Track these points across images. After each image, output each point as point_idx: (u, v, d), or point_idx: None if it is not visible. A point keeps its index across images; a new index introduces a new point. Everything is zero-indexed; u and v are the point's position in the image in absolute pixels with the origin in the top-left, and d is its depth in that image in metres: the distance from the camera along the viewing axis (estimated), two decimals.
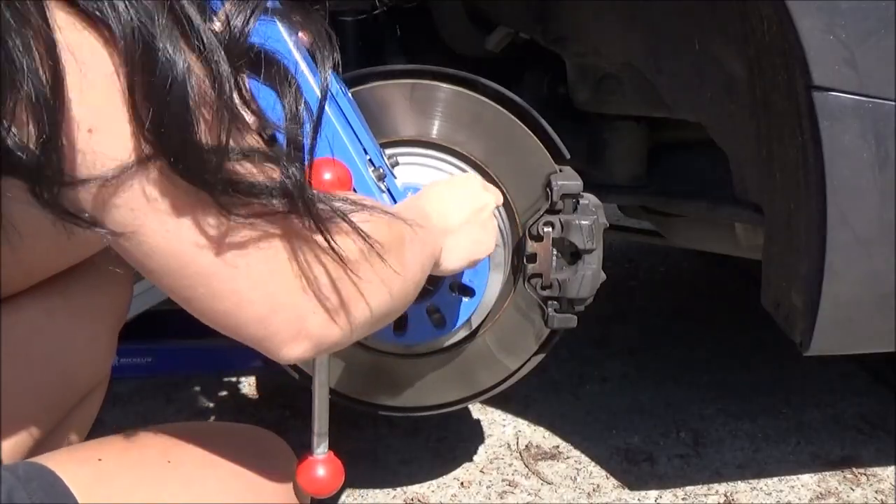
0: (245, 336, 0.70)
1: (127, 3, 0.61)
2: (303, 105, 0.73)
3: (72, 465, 0.74)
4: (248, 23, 0.69)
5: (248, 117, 0.69)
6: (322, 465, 0.85)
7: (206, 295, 0.68)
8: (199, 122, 0.64)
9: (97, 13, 0.61)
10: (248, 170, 0.68)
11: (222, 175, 0.65)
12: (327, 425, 0.89)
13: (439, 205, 1.04)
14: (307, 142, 0.73)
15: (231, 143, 0.66)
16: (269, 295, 0.68)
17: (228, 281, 0.67)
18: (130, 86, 0.62)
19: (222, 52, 0.66)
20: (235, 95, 0.67)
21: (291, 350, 0.71)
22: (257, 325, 0.69)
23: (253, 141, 0.69)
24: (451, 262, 1.02)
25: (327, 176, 0.87)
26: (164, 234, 0.66)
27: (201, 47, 0.65)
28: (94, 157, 0.63)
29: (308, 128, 0.74)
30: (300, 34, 1.01)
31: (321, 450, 0.87)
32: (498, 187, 1.33)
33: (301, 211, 0.69)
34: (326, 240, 0.71)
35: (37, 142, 0.62)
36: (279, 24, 0.86)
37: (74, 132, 0.62)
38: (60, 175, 0.63)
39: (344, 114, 1.07)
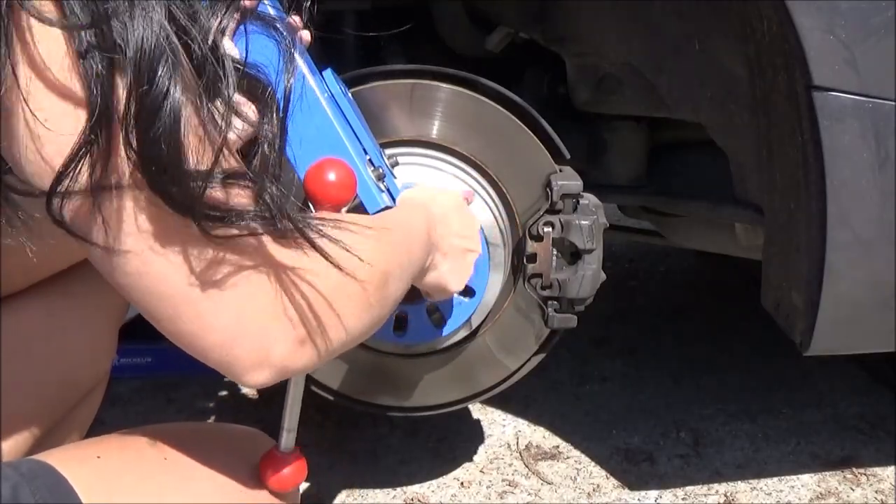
0: (209, 360, 0.70)
1: (134, 24, 0.61)
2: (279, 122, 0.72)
3: (72, 462, 0.74)
4: (221, 28, 0.68)
5: (231, 134, 0.69)
6: (286, 461, 0.85)
7: (172, 316, 0.68)
8: (186, 145, 0.64)
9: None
10: (227, 193, 0.67)
11: (203, 199, 0.65)
12: (297, 421, 0.88)
13: (448, 225, 1.05)
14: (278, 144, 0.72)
15: (215, 166, 0.66)
16: (234, 322, 0.68)
17: (195, 305, 0.67)
18: (126, 106, 0.61)
19: (230, 78, 0.66)
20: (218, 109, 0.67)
21: (254, 377, 0.70)
22: (220, 350, 0.69)
23: (233, 161, 0.69)
24: (428, 278, 1.04)
25: (331, 176, 0.86)
26: (137, 252, 0.65)
27: (199, 68, 0.65)
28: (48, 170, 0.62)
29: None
30: (300, 33, 1.01)
31: (288, 446, 0.87)
32: (498, 187, 1.34)
33: (281, 233, 0.68)
34: (324, 255, 0.70)
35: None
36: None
37: (31, 145, 0.62)
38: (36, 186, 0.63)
39: (343, 114, 1.07)
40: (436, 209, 1.04)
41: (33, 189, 0.64)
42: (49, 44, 0.61)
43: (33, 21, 0.60)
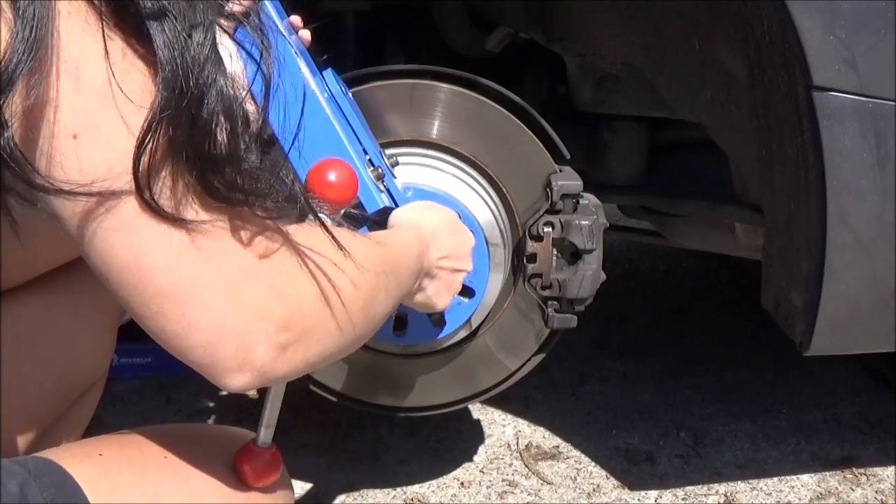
0: (190, 360, 0.70)
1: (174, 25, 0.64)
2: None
3: (75, 460, 0.74)
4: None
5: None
6: (262, 455, 0.85)
7: (157, 314, 0.68)
8: (221, 131, 0.66)
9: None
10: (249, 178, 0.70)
11: (241, 182, 0.67)
12: (276, 418, 0.89)
13: (440, 249, 1.05)
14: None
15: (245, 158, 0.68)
16: (218, 325, 0.68)
17: (181, 304, 0.68)
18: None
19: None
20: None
21: (234, 380, 0.70)
22: (202, 351, 0.69)
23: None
24: (416, 299, 1.05)
25: (332, 177, 0.86)
26: (128, 247, 0.66)
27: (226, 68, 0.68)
28: (77, 165, 0.64)
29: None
30: (300, 32, 1.01)
31: (265, 441, 0.87)
32: (498, 187, 1.34)
33: (318, 215, 0.72)
34: (342, 241, 0.73)
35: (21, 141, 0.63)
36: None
37: (60, 138, 0.63)
38: (40, 178, 0.64)
39: (343, 114, 1.07)
40: (428, 233, 1.04)
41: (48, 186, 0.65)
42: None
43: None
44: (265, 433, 0.87)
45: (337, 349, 0.78)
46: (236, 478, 0.83)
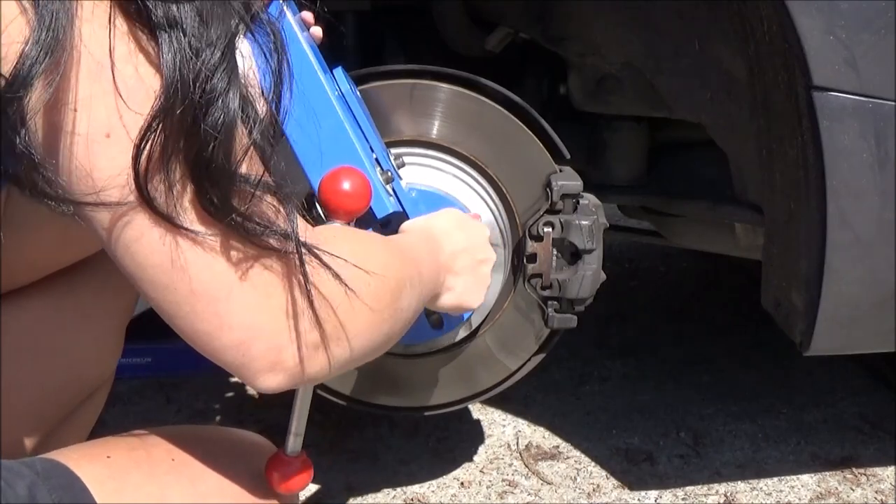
0: (222, 360, 0.70)
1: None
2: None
3: (83, 461, 0.74)
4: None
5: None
6: (293, 464, 0.85)
7: (189, 314, 0.68)
8: (231, 147, 0.66)
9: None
10: (260, 202, 0.69)
11: (241, 206, 0.67)
12: (304, 426, 0.89)
13: (453, 244, 1.05)
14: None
15: (254, 172, 0.68)
16: (250, 324, 0.69)
17: (213, 304, 0.68)
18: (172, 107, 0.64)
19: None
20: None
21: (266, 380, 0.71)
22: (235, 351, 0.69)
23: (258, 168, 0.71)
24: (445, 301, 1.04)
25: (346, 186, 0.86)
26: (161, 248, 0.66)
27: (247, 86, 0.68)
28: (103, 167, 0.64)
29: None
30: (311, 30, 1.01)
31: (294, 449, 0.87)
32: (498, 187, 1.34)
33: (299, 252, 0.70)
34: (337, 276, 0.72)
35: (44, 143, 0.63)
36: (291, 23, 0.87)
37: (90, 138, 0.63)
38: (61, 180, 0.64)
39: (353, 114, 1.06)
40: (437, 232, 1.04)
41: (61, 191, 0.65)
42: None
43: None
44: (294, 441, 0.87)
45: (368, 347, 0.78)
46: (243, 480, 0.83)
